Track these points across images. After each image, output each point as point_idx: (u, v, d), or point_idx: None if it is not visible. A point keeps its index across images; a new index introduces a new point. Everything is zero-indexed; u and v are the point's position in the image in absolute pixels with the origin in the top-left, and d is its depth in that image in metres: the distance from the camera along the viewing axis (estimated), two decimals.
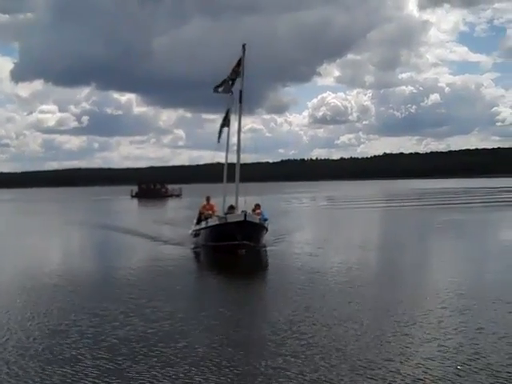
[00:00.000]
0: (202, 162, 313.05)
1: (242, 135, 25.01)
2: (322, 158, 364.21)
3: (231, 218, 21.68)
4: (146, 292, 14.77)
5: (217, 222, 22.42)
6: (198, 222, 24.94)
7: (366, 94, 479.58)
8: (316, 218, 42.61)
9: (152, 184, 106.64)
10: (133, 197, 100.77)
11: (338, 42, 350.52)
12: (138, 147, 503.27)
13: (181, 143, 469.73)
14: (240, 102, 24.68)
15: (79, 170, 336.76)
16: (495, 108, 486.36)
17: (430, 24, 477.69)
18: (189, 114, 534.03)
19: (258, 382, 8.03)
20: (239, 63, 24.09)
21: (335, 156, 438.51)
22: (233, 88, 24.75)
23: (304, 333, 10.21)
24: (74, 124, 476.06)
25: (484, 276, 16.10)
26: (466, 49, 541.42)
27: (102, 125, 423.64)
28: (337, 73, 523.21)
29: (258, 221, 22.04)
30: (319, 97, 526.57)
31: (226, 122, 26.45)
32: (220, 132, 26.69)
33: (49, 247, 28.16)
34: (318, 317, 11.34)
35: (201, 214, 25.14)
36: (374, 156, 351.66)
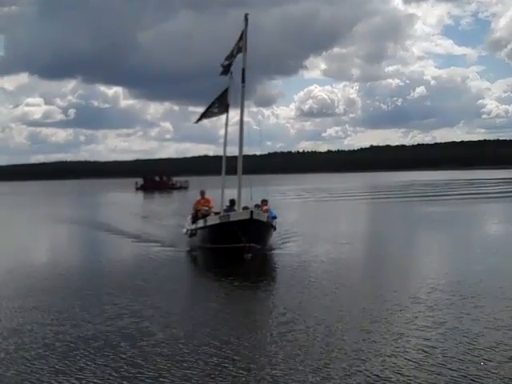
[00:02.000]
0: (189, 155, 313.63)
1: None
2: (309, 150, 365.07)
3: (235, 216, 18.60)
4: (116, 291, 13.63)
5: (217, 221, 19.40)
6: (194, 219, 21.87)
7: (352, 87, 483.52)
8: (315, 212, 41.33)
9: (158, 176, 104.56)
10: (137, 189, 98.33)
11: (324, 35, 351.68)
12: (125, 140, 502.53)
13: (168, 136, 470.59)
14: (242, 81, 20.98)
15: (65, 162, 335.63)
16: (481, 101, 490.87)
17: (415, 17, 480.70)
18: (176, 107, 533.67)
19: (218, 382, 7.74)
20: (241, 37, 20.93)
21: (322, 149, 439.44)
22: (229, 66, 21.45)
23: (270, 330, 9.97)
24: (61, 117, 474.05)
25: (461, 270, 15.62)
26: (451, 42, 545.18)
27: (88, 118, 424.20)
28: (323, 66, 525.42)
29: (265, 219, 19.07)
30: (306, 90, 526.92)
31: (222, 107, 22.62)
32: (206, 113, 22.85)
33: (39, 245, 26.13)
34: (293, 314, 11.05)
35: (196, 210, 22.24)
36: (361, 148, 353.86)
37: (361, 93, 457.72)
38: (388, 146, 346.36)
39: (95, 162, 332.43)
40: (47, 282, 15.33)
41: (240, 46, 20.77)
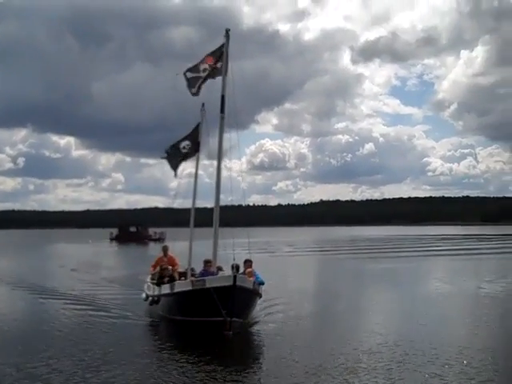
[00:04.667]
0: (139, 207, 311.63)
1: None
2: (260, 204, 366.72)
3: (213, 282, 14.62)
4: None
5: (189, 287, 15.29)
6: (159, 282, 17.96)
7: (303, 142, 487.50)
8: (277, 268, 37.98)
9: (135, 226, 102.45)
10: (112, 240, 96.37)
11: (276, 91, 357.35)
12: (75, 190, 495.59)
13: (119, 187, 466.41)
14: (222, 111, 17.22)
15: (13, 211, 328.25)
16: (426, 159, 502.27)
17: (363, 77, 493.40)
18: (128, 158, 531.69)
19: None
20: (215, 53, 17.32)
21: (273, 202, 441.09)
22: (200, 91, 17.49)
23: None
24: (10, 165, 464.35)
25: (398, 331, 15.35)
26: (398, 102, 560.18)
27: (38, 167, 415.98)
28: (275, 121, 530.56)
29: (251, 286, 15.26)
30: (257, 143, 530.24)
31: (192, 146, 19.48)
32: (177, 158, 19.62)
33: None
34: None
35: (154, 272, 19.18)
36: (311, 203, 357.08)
37: (311, 148, 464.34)
38: (338, 201, 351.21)
39: (44, 212, 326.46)
40: None
41: (215, 66, 17.20)
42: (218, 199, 17.40)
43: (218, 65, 17.13)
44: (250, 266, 16.59)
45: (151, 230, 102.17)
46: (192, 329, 15.00)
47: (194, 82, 17.28)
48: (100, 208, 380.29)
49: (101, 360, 11.95)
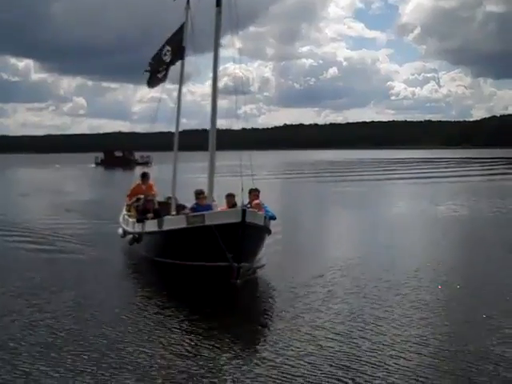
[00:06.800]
0: (101, 131, 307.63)
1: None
2: (224, 128, 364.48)
3: (214, 218, 11.54)
4: None
5: (183, 224, 12.00)
6: (142, 218, 14.29)
7: (266, 66, 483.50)
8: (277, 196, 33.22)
9: (120, 151, 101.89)
10: (98, 164, 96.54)
11: (241, 13, 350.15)
12: (36, 114, 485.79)
13: (81, 111, 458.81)
14: (218, 4, 13.31)
15: None
16: (390, 82, 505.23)
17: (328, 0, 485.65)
18: (89, 82, 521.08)
19: None
20: None
21: (236, 126, 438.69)
22: None
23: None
24: None
25: (351, 254, 14.94)
26: (362, 25, 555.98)
27: None
28: (239, 44, 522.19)
29: (262, 222, 12.05)
30: (221, 67, 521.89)
31: (175, 53, 15.42)
32: (155, 68, 15.64)
33: None
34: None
35: (131, 202, 16.00)
36: (275, 127, 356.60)
37: (275, 72, 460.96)
38: (301, 125, 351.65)
39: (3, 137, 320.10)
40: None
41: None
42: (214, 115, 14.27)
43: None
44: (257, 197, 13.05)
45: (137, 154, 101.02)
46: (186, 275, 11.99)
47: None
48: (62, 132, 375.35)
49: (38, 287, 11.23)
